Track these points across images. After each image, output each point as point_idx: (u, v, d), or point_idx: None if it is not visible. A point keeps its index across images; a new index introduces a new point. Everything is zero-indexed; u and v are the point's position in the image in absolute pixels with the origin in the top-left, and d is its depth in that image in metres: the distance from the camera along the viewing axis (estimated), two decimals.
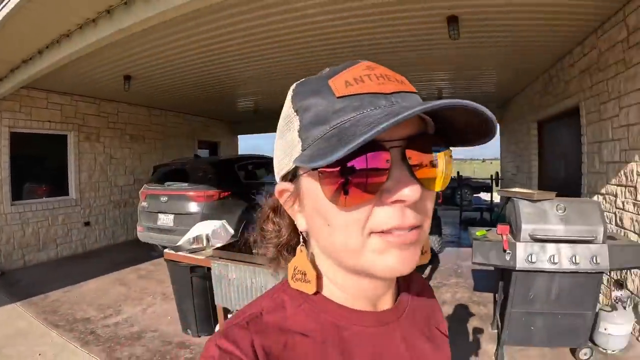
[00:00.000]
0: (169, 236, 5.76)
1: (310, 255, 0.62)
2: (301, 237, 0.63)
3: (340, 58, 5.23)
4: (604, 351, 3.55)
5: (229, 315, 3.18)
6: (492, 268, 3.65)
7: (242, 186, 6.58)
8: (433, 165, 0.52)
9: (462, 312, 4.42)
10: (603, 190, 4.54)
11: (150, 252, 6.86)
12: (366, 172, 0.48)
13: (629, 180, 4.03)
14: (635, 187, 3.93)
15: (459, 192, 12.48)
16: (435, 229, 6.47)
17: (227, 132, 13.29)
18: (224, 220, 4.13)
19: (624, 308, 3.60)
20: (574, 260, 3.10)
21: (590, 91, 4.77)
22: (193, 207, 5.96)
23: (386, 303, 0.65)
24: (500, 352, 3.38)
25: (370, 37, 4.76)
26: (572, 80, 5.28)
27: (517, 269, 3.15)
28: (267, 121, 11.96)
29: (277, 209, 0.68)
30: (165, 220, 6.11)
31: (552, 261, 3.10)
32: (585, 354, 3.34)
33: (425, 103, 0.45)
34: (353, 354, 0.58)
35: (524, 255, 3.14)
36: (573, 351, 3.42)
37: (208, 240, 3.65)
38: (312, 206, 0.56)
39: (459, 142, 0.57)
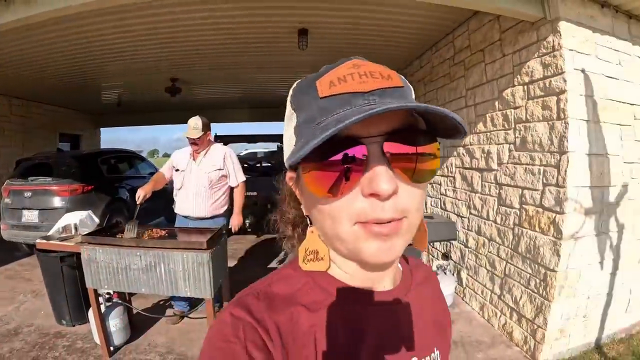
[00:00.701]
0: (35, 233, 5.62)
1: (321, 235, 0.64)
2: (308, 220, 0.67)
3: (204, 56, 5.76)
4: None
5: (100, 299, 3.37)
6: None
7: (105, 180, 6.70)
8: (416, 158, 0.54)
9: None
10: (433, 180, 5.46)
11: (15, 251, 6.59)
12: (342, 166, 0.51)
13: (449, 171, 5.02)
14: (454, 177, 4.91)
15: None
16: None
17: (89, 125, 12.81)
18: (90, 211, 4.33)
19: (445, 274, 4.50)
20: None
21: (424, 98, 5.63)
22: (57, 201, 5.92)
23: (388, 285, 0.68)
24: None
25: (232, 37, 5.18)
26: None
27: None
28: (131, 114, 11.81)
29: (293, 193, 0.70)
30: (30, 216, 6.00)
31: None
32: None
33: (391, 104, 0.49)
34: (363, 331, 0.61)
35: None
36: None
37: (76, 229, 3.79)
38: (306, 194, 0.61)
39: (446, 136, 0.59)
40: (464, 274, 4.67)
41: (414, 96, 0.62)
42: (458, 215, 4.81)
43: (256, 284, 0.66)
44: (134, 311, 3.80)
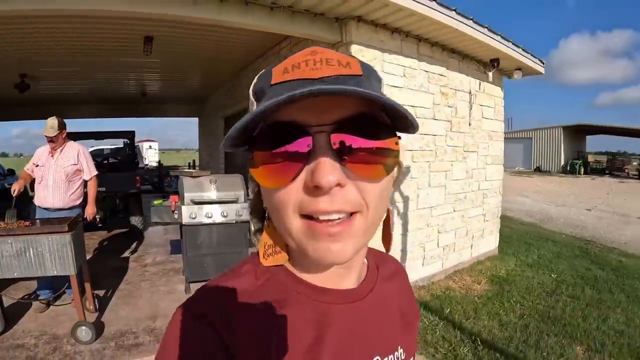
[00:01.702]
0: None
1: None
2: (267, 212, 0.63)
3: (55, 54, 6.03)
4: None
5: None
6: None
7: None
8: (369, 151, 0.51)
9: (162, 268, 5.60)
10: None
11: None
12: (286, 156, 0.50)
13: None
14: None
15: (165, 180, 14.25)
16: (138, 210, 7.55)
17: None
18: None
19: None
20: (224, 215, 4.62)
21: None
22: None
23: (349, 283, 0.65)
24: (187, 286, 4.66)
25: (78, 37, 5.50)
26: (245, 89, 7.02)
27: (183, 224, 4.51)
28: None
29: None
30: None
31: (208, 216, 4.56)
32: None
33: (340, 90, 0.45)
34: (326, 329, 0.59)
35: (187, 214, 4.50)
36: None
37: None
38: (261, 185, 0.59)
39: (402, 129, 0.56)
40: None
41: (382, 87, 0.59)
42: None
43: (215, 280, 0.63)
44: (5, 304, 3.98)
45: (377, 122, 0.53)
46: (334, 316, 0.61)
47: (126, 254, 6.36)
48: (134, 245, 6.88)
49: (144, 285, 4.91)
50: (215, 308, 0.56)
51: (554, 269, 6.09)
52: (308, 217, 0.52)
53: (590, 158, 40.07)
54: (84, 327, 3.44)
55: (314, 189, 0.49)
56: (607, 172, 35.19)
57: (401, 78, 4.65)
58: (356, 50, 4.19)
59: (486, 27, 5.01)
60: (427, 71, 4.99)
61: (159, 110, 13.98)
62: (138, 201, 7.58)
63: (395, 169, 0.58)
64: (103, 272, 5.21)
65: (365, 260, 0.71)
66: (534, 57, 6.42)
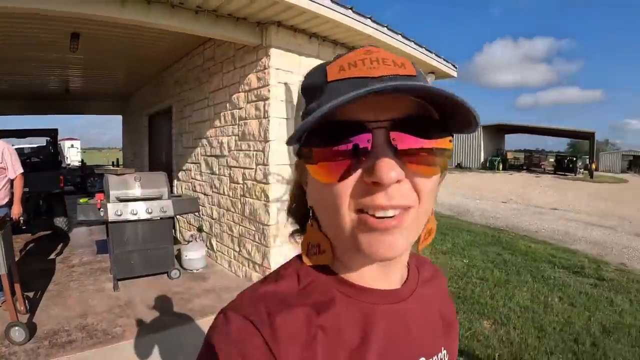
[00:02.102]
0: None
1: (322, 227, 0.62)
2: (311, 211, 0.64)
3: None
4: (192, 271, 5.39)
5: None
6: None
7: None
8: (424, 150, 0.52)
9: (90, 268, 5.59)
10: (184, 167, 6.60)
11: None
12: (345, 153, 0.50)
13: (196, 159, 6.16)
14: (199, 163, 6.05)
15: (89, 180, 13.86)
16: (62, 211, 7.42)
17: None
18: None
19: (197, 241, 5.56)
20: (149, 211, 4.74)
21: (179, 97, 6.70)
22: None
23: (393, 283, 0.66)
24: (115, 283, 4.71)
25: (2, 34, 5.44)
26: (170, 87, 7.14)
27: (109, 221, 4.58)
28: None
29: (299, 182, 0.69)
30: None
31: (133, 213, 4.66)
32: (175, 274, 5.07)
33: (402, 85, 0.46)
34: (371, 330, 0.59)
35: (113, 211, 4.58)
36: (168, 274, 5.08)
37: None
38: (309, 181, 0.60)
39: (457, 129, 0.56)
40: (214, 241, 5.89)
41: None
42: (204, 194, 6.02)
43: (257, 284, 0.63)
44: None
45: (431, 121, 0.54)
46: (379, 317, 0.61)
47: (52, 256, 6.26)
48: (59, 247, 6.74)
49: (72, 285, 4.89)
50: (259, 312, 0.55)
51: (467, 255, 6.79)
52: (362, 212, 0.52)
53: (510, 155, 42.97)
54: (17, 328, 3.41)
55: (372, 185, 0.50)
56: (524, 168, 38.14)
57: None
58: (275, 53, 4.50)
59: (400, 34, 5.47)
60: None
61: (83, 107, 13.43)
62: (62, 202, 7.44)
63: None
64: (31, 274, 5.14)
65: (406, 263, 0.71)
66: (447, 61, 7.04)
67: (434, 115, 0.55)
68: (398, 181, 0.50)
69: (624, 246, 8.23)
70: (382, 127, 0.50)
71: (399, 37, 5.45)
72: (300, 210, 0.70)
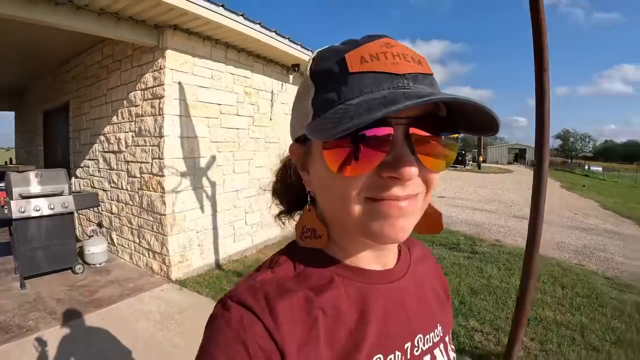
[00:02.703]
0: None
1: (319, 213, 0.65)
2: (309, 196, 0.66)
3: None
4: (94, 265, 5.59)
5: None
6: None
7: None
8: (437, 146, 0.55)
9: None
10: (82, 164, 6.72)
11: None
12: (367, 146, 0.51)
13: (94, 155, 6.34)
14: (97, 160, 6.24)
15: None
16: None
17: None
18: None
19: (97, 236, 5.76)
20: (51, 207, 4.91)
21: (77, 93, 6.74)
22: None
23: (389, 263, 0.70)
24: (22, 282, 4.76)
25: None
26: (67, 82, 7.13)
27: (14, 218, 4.67)
28: None
29: (288, 167, 0.73)
30: None
31: (37, 209, 4.80)
32: (79, 269, 5.26)
33: (431, 94, 0.48)
34: (369, 309, 0.62)
35: (16, 208, 4.68)
36: (72, 269, 5.24)
37: None
38: (316, 169, 0.60)
39: (467, 129, 0.58)
40: (114, 235, 6.11)
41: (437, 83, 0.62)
42: (103, 190, 6.21)
43: (254, 272, 0.65)
44: None
45: (441, 118, 0.56)
46: (376, 296, 0.64)
47: None
48: None
49: None
50: (258, 300, 0.57)
51: None
52: (373, 200, 0.54)
53: None
54: None
55: (389, 179, 0.52)
56: None
57: (209, 80, 5.44)
58: (170, 54, 4.85)
59: (287, 38, 6.07)
60: (233, 74, 5.86)
61: None
62: None
63: None
64: None
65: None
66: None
67: (443, 112, 0.57)
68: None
69: (500, 226, 9.59)
70: (402, 124, 0.52)
71: (286, 41, 6.10)
72: (288, 192, 0.74)
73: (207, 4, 4.51)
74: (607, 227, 10.23)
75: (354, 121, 0.46)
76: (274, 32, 5.73)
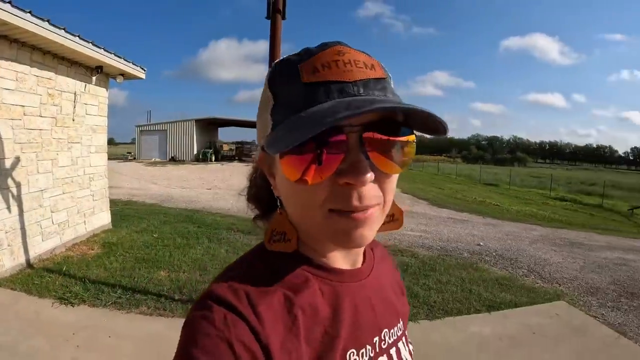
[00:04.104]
0: None
1: (290, 217, 0.67)
2: (278, 201, 0.69)
3: None
4: None
5: None
6: None
7: None
8: (392, 149, 0.57)
9: None
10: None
11: None
12: (321, 155, 0.53)
13: None
14: None
15: None
16: None
17: None
18: None
19: None
20: None
21: None
22: None
23: (357, 262, 0.75)
24: None
25: None
26: None
27: None
28: None
29: (258, 171, 0.76)
30: None
31: None
32: None
33: (379, 101, 0.52)
34: (341, 306, 0.66)
35: None
36: None
37: None
38: (279, 177, 0.63)
39: (422, 129, 0.60)
40: None
41: (393, 85, 0.64)
42: None
43: (227, 272, 0.66)
44: None
45: (396, 122, 0.58)
46: (347, 294, 0.69)
47: None
48: None
49: None
50: (241, 299, 0.58)
51: (157, 231, 8.37)
52: (334, 210, 0.57)
53: (226, 147, 46.40)
54: None
55: (345, 185, 0.55)
56: (236, 158, 42.23)
57: (14, 82, 5.66)
58: None
59: (91, 42, 6.64)
60: (37, 75, 6.14)
61: None
62: None
63: None
64: None
65: None
66: (135, 65, 8.45)
67: (399, 117, 0.58)
68: (369, 182, 0.56)
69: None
70: (355, 132, 0.54)
71: (89, 45, 6.67)
72: (262, 197, 0.76)
73: (15, 11, 4.89)
74: (402, 208, 12.48)
75: (294, 135, 0.50)
76: (78, 36, 6.26)
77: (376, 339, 0.71)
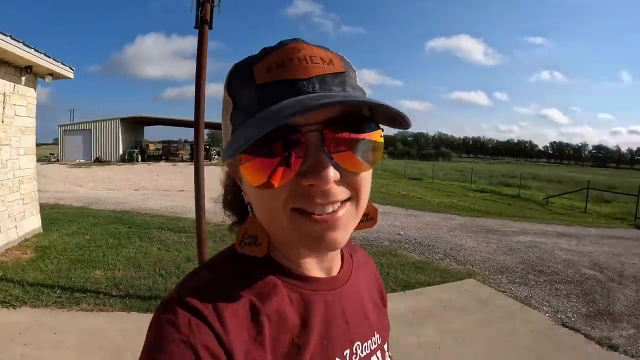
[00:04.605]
0: None
1: (260, 222, 0.65)
2: (249, 207, 0.67)
3: None
4: None
5: None
6: None
7: None
8: (357, 145, 0.55)
9: None
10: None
11: None
12: (278, 157, 0.52)
13: None
14: None
15: None
16: None
17: None
18: None
19: None
20: None
21: None
22: None
23: (333, 269, 0.73)
24: None
25: None
26: None
27: None
28: None
29: (230, 177, 0.73)
30: None
31: None
32: None
33: (330, 96, 0.51)
34: (311, 316, 0.65)
35: None
36: None
37: None
38: (244, 182, 0.61)
39: (388, 123, 0.59)
40: None
41: (357, 79, 0.63)
42: None
43: (196, 274, 0.66)
44: None
45: (362, 118, 0.57)
46: (318, 303, 0.67)
47: None
48: None
49: None
50: (205, 303, 0.57)
51: (88, 233, 8.36)
52: (299, 210, 0.56)
53: (152, 147, 45.28)
54: None
55: (309, 187, 0.53)
56: (163, 157, 41.51)
57: None
58: None
59: (21, 42, 6.54)
60: None
61: None
62: None
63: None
64: None
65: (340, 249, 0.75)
66: (64, 65, 8.39)
67: (364, 111, 0.57)
68: (334, 182, 0.54)
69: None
70: (314, 130, 0.53)
71: (20, 45, 6.57)
72: (236, 202, 0.74)
73: None
74: None
75: (241, 141, 0.49)
76: (9, 36, 6.19)
77: (347, 351, 0.69)
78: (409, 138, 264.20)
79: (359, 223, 0.64)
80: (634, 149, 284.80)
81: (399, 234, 9.52)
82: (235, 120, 0.59)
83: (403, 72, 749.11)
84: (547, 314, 5.25)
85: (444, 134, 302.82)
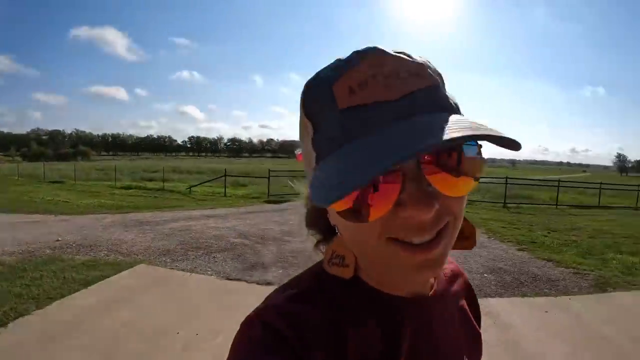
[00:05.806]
0: None
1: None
2: (336, 228, 0.62)
3: None
4: None
5: None
6: None
7: None
8: (455, 165, 0.49)
9: None
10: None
11: None
12: (376, 191, 0.47)
13: None
14: None
15: None
16: None
17: None
18: None
19: None
20: None
21: None
22: None
23: (425, 288, 0.67)
24: None
25: None
26: None
27: None
28: None
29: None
30: None
31: None
32: None
33: (429, 130, 0.44)
34: (398, 342, 0.61)
35: None
36: None
37: None
38: (331, 210, 0.57)
39: (495, 142, 0.48)
40: None
41: (446, 89, 0.56)
42: None
43: (281, 291, 0.64)
44: None
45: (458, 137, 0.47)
46: (405, 330, 0.62)
47: None
48: None
49: None
50: (288, 321, 0.56)
51: None
52: (395, 240, 0.52)
53: None
54: None
55: (407, 218, 0.49)
56: None
57: None
58: None
59: None
60: None
61: None
62: None
63: None
64: None
65: None
66: None
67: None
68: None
69: None
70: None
71: None
72: (320, 221, 0.68)
73: None
74: None
75: (335, 192, 0.43)
76: None
77: None
78: (44, 137, 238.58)
79: (457, 244, 0.61)
80: (264, 140, 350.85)
81: (58, 240, 9.07)
82: (318, 147, 0.55)
83: (41, 60, 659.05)
84: (212, 275, 6.68)
85: (82, 131, 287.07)
